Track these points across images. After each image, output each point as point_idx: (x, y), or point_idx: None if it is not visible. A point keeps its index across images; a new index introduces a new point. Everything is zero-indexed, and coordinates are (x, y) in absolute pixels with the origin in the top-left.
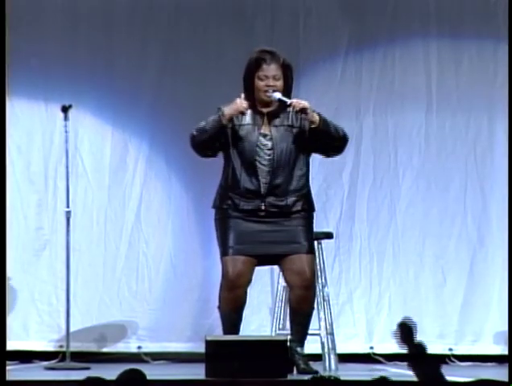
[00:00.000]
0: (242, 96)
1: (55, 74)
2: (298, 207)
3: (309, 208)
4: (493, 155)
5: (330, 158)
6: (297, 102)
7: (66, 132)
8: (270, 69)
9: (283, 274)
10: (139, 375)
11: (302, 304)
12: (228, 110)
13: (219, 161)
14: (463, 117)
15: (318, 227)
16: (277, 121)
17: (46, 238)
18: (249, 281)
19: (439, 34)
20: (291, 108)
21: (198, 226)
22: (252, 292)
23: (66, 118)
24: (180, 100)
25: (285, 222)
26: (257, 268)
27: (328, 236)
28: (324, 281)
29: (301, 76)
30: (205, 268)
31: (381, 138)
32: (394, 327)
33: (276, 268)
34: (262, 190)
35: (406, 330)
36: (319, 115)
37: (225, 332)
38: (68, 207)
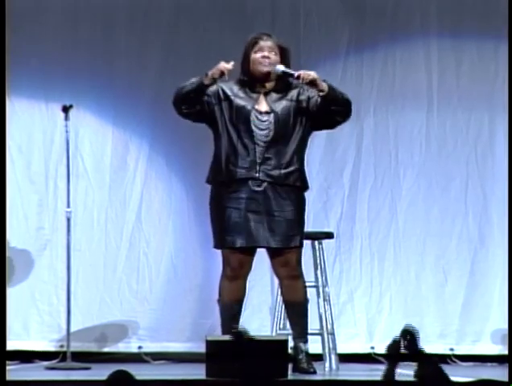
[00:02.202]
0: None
1: (56, 74)
2: (290, 181)
3: (302, 185)
4: (493, 154)
5: (330, 158)
6: (305, 73)
7: (67, 132)
8: (266, 44)
9: (271, 266)
10: (127, 375)
11: (292, 294)
12: (210, 70)
13: None
14: (464, 117)
15: (318, 227)
16: (274, 95)
17: (46, 238)
18: (249, 271)
19: (440, 34)
20: (299, 81)
21: (199, 226)
22: (252, 292)
23: (67, 118)
24: None
25: (277, 209)
26: (257, 267)
27: (329, 235)
28: (324, 280)
29: None
30: (206, 268)
31: (381, 138)
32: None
33: None
34: (258, 160)
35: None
36: (325, 82)
37: (225, 326)
38: (68, 206)
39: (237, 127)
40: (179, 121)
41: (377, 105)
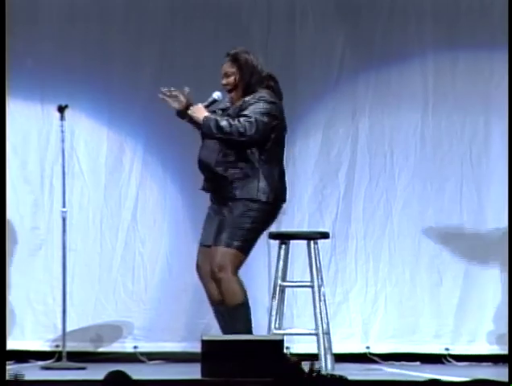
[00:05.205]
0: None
1: (51, 74)
2: (223, 192)
3: (236, 195)
4: (488, 155)
5: (326, 159)
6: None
7: (62, 132)
8: (223, 67)
9: None
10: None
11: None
12: None
13: None
14: (459, 118)
15: (314, 226)
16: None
17: (42, 238)
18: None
19: (436, 35)
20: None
21: (193, 226)
22: (249, 291)
23: (62, 118)
24: None
25: (221, 211)
26: (254, 267)
27: (324, 235)
28: (319, 280)
29: (297, 78)
30: None
31: (377, 138)
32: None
33: (273, 267)
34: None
35: None
36: (205, 119)
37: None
38: (64, 206)
39: None
40: (173, 122)
41: (372, 106)
